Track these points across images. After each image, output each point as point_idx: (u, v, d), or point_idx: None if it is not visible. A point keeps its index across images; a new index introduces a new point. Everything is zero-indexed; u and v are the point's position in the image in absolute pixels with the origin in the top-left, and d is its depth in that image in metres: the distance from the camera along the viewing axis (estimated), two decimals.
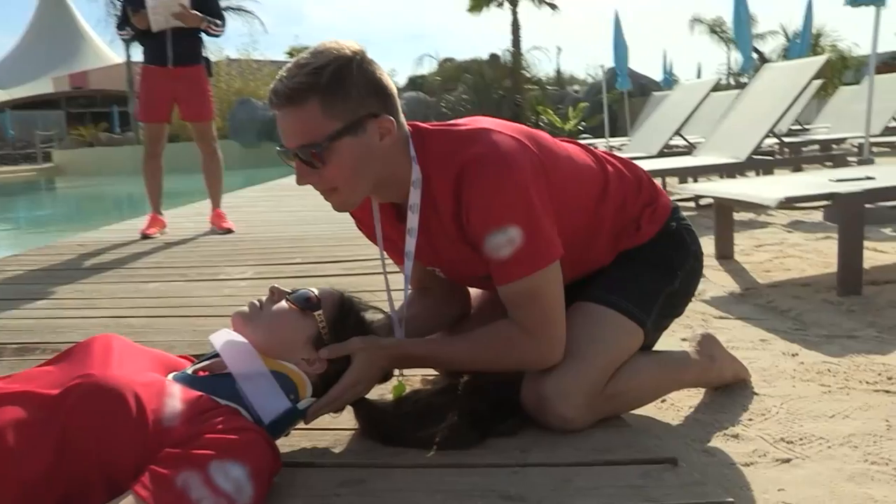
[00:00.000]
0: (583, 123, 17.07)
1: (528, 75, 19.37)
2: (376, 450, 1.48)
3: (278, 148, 1.45)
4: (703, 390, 1.95)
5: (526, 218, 1.40)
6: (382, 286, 1.69)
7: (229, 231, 4.91)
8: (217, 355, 1.41)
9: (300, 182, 1.47)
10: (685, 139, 7.79)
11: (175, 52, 4.76)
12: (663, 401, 1.85)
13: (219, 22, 4.88)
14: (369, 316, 1.53)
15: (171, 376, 1.36)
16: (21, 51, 46.63)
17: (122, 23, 4.90)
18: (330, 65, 1.38)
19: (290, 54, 41.58)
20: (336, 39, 1.43)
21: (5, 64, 44.03)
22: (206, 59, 5.00)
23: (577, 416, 1.47)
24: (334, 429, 1.54)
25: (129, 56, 26.20)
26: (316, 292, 1.45)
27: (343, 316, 1.45)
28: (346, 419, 1.54)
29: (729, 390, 1.95)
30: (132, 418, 1.17)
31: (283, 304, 1.43)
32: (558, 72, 34.81)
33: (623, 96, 14.21)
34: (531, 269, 1.41)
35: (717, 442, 1.67)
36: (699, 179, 6.82)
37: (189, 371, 1.38)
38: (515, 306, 1.45)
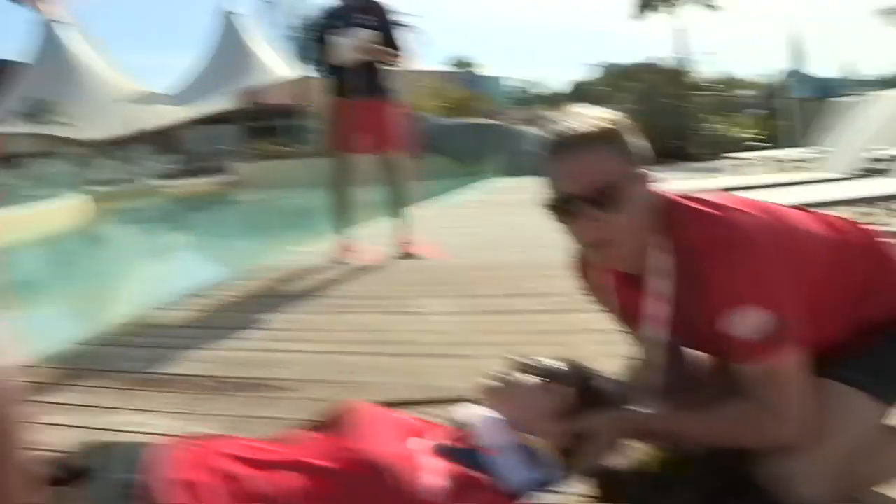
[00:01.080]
0: (753, 131, 16.36)
1: (694, 82, 18.78)
2: None
3: (553, 198, 1.47)
4: None
5: (770, 300, 1.39)
6: (583, 325, 1.72)
7: (420, 257, 5.08)
8: (464, 425, 1.50)
9: (578, 235, 1.49)
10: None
11: (363, 85, 5.00)
12: None
13: (401, 54, 5.08)
14: (606, 385, 1.57)
15: (424, 444, 1.45)
16: (202, 69, 50.14)
17: (309, 57, 5.21)
18: (610, 119, 1.45)
19: (457, 64, 42.51)
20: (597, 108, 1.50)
21: (187, 81, 47.38)
22: (391, 90, 5.20)
23: (818, 496, 1.45)
24: (578, 495, 1.59)
25: (302, 71, 27.61)
26: (563, 367, 1.51)
27: (584, 389, 1.51)
28: (589, 487, 1.58)
29: None
30: (392, 491, 1.27)
31: (531, 378, 1.50)
32: (726, 76, 33.62)
33: (797, 102, 13.44)
34: (773, 352, 1.41)
35: None
36: None
37: (443, 442, 1.47)
38: (755, 386, 1.44)
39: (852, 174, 6.51)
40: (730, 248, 1.41)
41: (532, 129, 15.39)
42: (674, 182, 10.16)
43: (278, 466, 1.35)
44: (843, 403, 1.49)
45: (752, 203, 1.54)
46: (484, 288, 3.95)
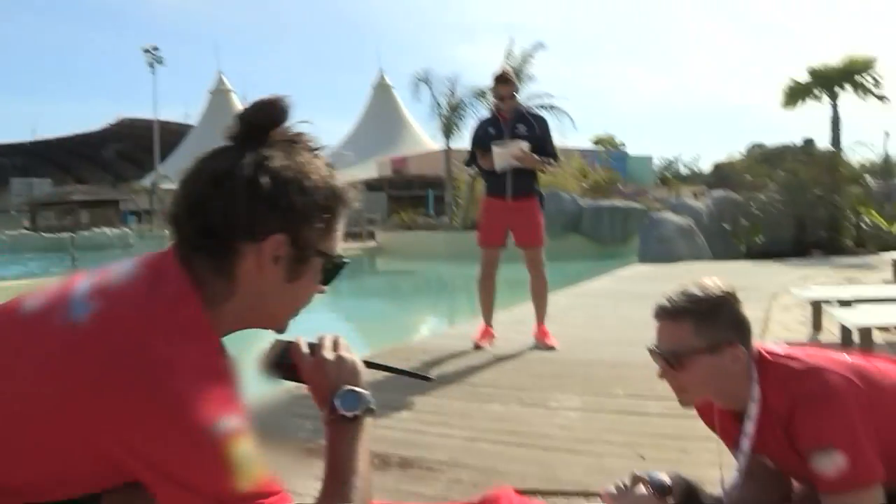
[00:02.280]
0: None
1: (848, 174, 18.23)
2: None
3: (649, 347, 1.90)
4: None
5: (848, 443, 1.71)
6: (701, 433, 2.05)
7: (552, 348, 5.46)
8: None
9: (661, 376, 1.93)
10: None
11: (514, 187, 5.52)
12: None
13: (552, 161, 5.59)
14: (708, 500, 1.91)
15: None
16: (354, 136, 52.89)
17: (470, 161, 5.78)
18: (710, 299, 1.84)
19: (596, 142, 42.91)
20: (713, 278, 1.90)
21: (340, 148, 50.05)
22: (540, 193, 5.68)
23: None
24: None
25: (448, 145, 28.82)
26: (668, 481, 1.86)
27: (688, 502, 1.85)
28: None
29: None
30: None
31: (642, 487, 1.86)
32: (885, 161, 32.19)
33: None
34: (851, 487, 1.72)
35: None
36: None
37: None
38: None
39: None
40: (818, 400, 1.75)
41: (673, 216, 15.47)
42: (819, 278, 9.97)
43: None
44: None
45: (840, 362, 1.86)
46: (611, 386, 4.27)
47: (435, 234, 25.20)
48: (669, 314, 1.88)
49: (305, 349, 1.38)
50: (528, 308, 5.96)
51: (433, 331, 7.11)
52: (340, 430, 1.29)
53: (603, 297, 8.64)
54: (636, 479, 1.89)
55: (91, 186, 49.74)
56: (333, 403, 1.30)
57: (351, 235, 31.91)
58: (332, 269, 1.30)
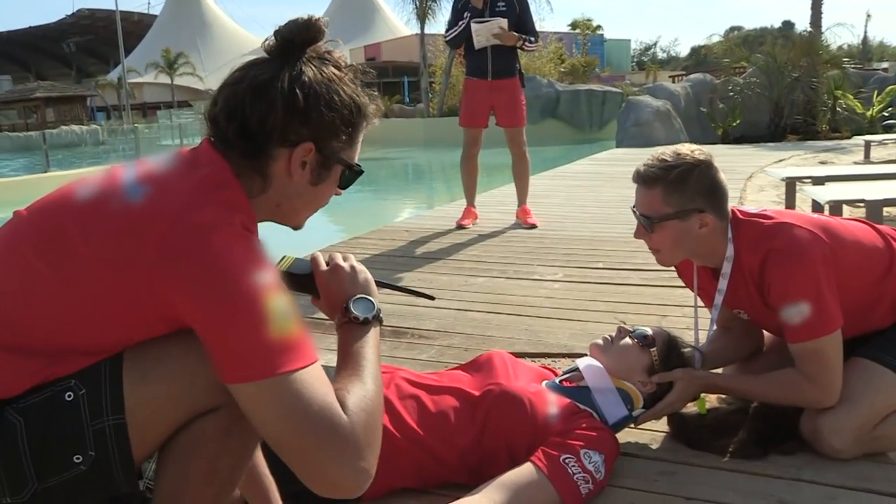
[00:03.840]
0: (889, 110, 15.73)
1: (826, 57, 18.09)
2: (682, 450, 2.02)
3: (631, 207, 2.03)
4: None
5: (814, 296, 1.85)
6: (678, 300, 2.21)
7: (534, 227, 5.60)
8: (576, 370, 2.02)
9: (636, 235, 2.07)
10: None
11: (494, 67, 5.52)
12: None
13: (532, 39, 5.56)
14: (687, 350, 2.06)
15: (545, 383, 1.99)
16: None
17: (454, 41, 5.71)
18: (679, 167, 1.94)
19: (574, 26, 42.08)
20: (691, 146, 1.98)
21: None
22: (521, 72, 5.69)
23: (845, 448, 1.90)
24: (652, 429, 2.11)
25: (423, 30, 28.18)
26: (651, 332, 2.01)
27: (669, 351, 2.01)
28: (661, 423, 2.09)
29: None
30: (528, 416, 1.81)
31: (628, 339, 2.01)
32: (864, 43, 31.93)
33: None
34: (815, 335, 1.87)
35: None
36: None
37: (557, 381, 2.01)
38: (801, 359, 1.91)
39: None
40: (786, 254, 1.88)
41: (651, 100, 15.43)
42: (793, 161, 10.11)
43: (439, 391, 1.91)
44: (869, 376, 1.94)
45: (807, 218, 1.99)
46: (592, 259, 4.43)
47: (411, 121, 24.96)
48: (643, 180, 1.98)
49: (322, 261, 1.50)
50: (509, 190, 6.06)
51: (417, 213, 7.20)
52: (353, 331, 1.38)
53: (581, 179, 8.75)
54: (621, 332, 2.04)
55: (54, 83, 47.97)
56: (348, 307, 1.40)
57: None
58: (350, 176, 1.42)
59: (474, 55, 5.59)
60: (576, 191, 7.75)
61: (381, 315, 1.45)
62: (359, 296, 1.44)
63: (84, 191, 1.28)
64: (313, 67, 1.32)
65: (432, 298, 1.82)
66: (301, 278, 1.51)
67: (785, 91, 16.66)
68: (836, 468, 1.89)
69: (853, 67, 20.48)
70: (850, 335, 1.93)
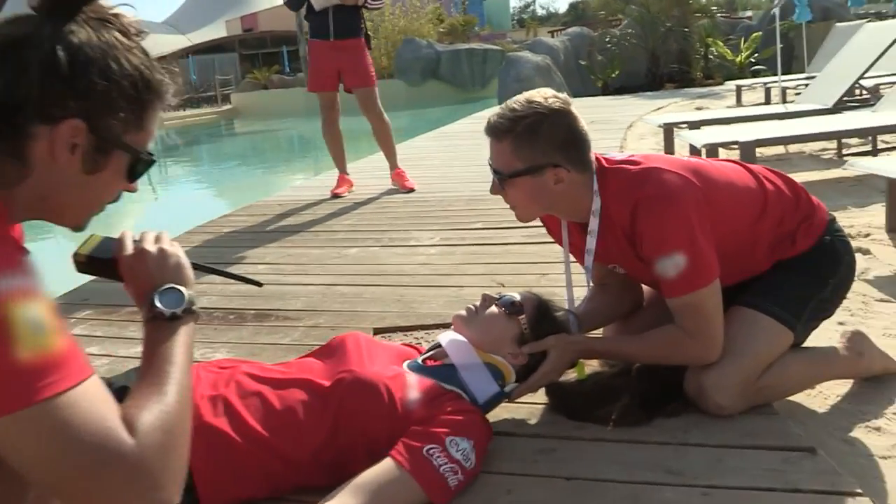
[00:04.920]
0: (755, 56, 16.26)
1: (696, 6, 18.55)
2: (563, 423, 1.84)
3: (488, 160, 1.84)
4: (852, 380, 2.09)
5: (688, 245, 1.69)
6: (556, 256, 2.04)
7: (411, 190, 5.37)
8: (438, 346, 1.81)
9: (492, 191, 1.87)
10: (864, 88, 7.40)
11: (336, 26, 5.23)
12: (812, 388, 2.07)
13: None
14: (560, 314, 1.88)
15: (406, 364, 1.77)
16: None
17: (293, 1, 5.38)
18: (529, 117, 1.73)
19: None
20: (546, 92, 1.77)
21: (184, 10, 46.69)
22: (367, 34, 5.41)
23: (731, 404, 1.77)
24: (529, 403, 1.91)
25: None
26: (519, 298, 1.81)
27: (540, 317, 1.81)
28: (539, 396, 1.91)
29: (879, 381, 2.07)
30: (385, 405, 1.59)
31: (494, 308, 1.80)
32: None
33: (801, 26, 13.26)
34: (693, 288, 1.71)
35: (858, 433, 1.86)
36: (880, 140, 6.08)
37: (419, 361, 1.79)
38: (680, 315, 1.75)
39: (824, 108, 6.69)
40: (656, 202, 1.71)
41: (530, 55, 15.37)
42: (671, 108, 10.30)
43: (286, 384, 1.66)
44: (752, 327, 1.80)
45: (678, 162, 1.82)
46: (471, 220, 4.24)
47: (291, 91, 24.25)
48: (492, 132, 1.79)
49: (129, 242, 1.25)
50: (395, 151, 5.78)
51: (294, 185, 6.87)
52: (159, 329, 1.15)
53: (462, 138, 8.57)
54: (486, 300, 1.83)
55: None
56: (153, 299, 1.16)
57: (205, 100, 30.44)
58: (138, 165, 1.15)
59: (315, 16, 5.29)
60: (456, 150, 7.56)
61: (194, 308, 1.20)
62: (167, 285, 1.19)
63: None
64: (89, 29, 1.04)
65: (259, 285, 1.57)
66: (105, 263, 1.26)
67: (659, 41, 17.00)
68: (723, 426, 1.75)
69: (721, 16, 21.08)
70: (728, 283, 1.79)
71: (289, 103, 22.50)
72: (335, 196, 5.39)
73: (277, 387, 1.66)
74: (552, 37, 22.66)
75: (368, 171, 6.32)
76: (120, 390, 1.10)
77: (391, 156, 5.60)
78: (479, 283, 3.08)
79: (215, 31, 40.70)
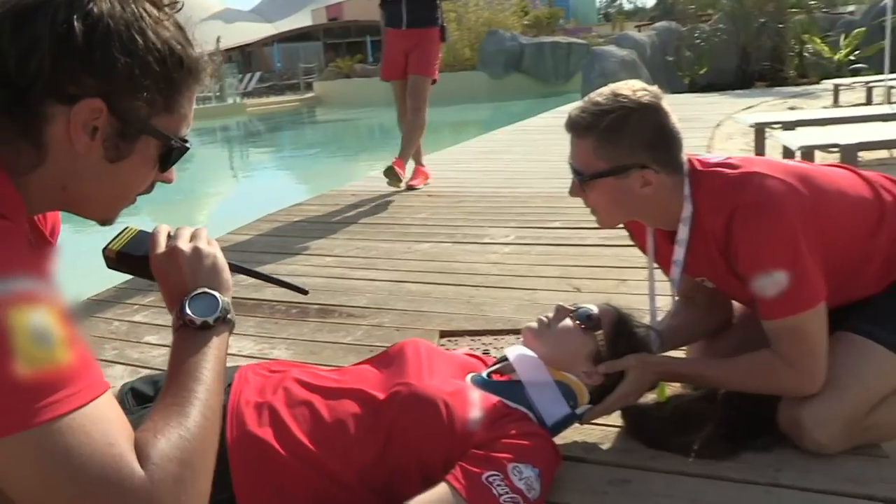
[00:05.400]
0: (856, 53, 15.44)
1: (793, 0, 17.78)
2: (638, 450, 1.67)
3: (568, 161, 1.67)
4: None
5: (792, 262, 1.49)
6: (637, 261, 1.86)
7: (411, 188, 5.20)
8: (505, 360, 1.66)
9: (571, 193, 1.70)
10: None
11: (410, 16, 5.13)
12: None
13: None
14: (640, 330, 1.70)
15: (469, 378, 1.63)
16: None
17: None
18: (614, 112, 1.56)
19: None
20: (634, 85, 1.60)
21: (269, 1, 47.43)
22: (442, 25, 5.27)
23: (832, 442, 1.57)
24: (602, 426, 1.75)
25: None
26: (596, 311, 1.65)
27: (619, 334, 1.64)
28: (613, 418, 1.74)
29: None
30: (443, 423, 1.45)
31: (568, 321, 1.64)
32: None
33: None
34: (795, 311, 1.51)
35: None
36: None
37: (485, 375, 1.64)
38: (778, 340, 1.56)
39: None
40: (756, 212, 1.52)
41: (616, 50, 15.02)
42: (762, 107, 9.89)
43: (338, 395, 1.54)
44: (862, 357, 1.59)
45: (781, 166, 1.62)
46: (548, 219, 4.06)
47: (373, 80, 24.28)
48: (573, 128, 1.62)
49: (163, 239, 1.13)
50: (463, 147, 5.65)
51: (370, 175, 6.80)
52: (189, 339, 1.04)
53: (544, 133, 8.35)
54: (560, 312, 1.67)
55: None
56: (183, 305, 1.06)
57: (289, 87, 30.88)
58: (168, 154, 1.03)
59: (390, 4, 5.22)
60: (537, 145, 7.36)
61: (229, 317, 1.08)
62: (200, 290, 1.08)
63: None
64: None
65: (304, 293, 1.43)
66: (137, 261, 1.15)
67: (752, 37, 16.36)
68: (822, 467, 1.55)
69: (820, 11, 20.17)
70: (835, 305, 1.58)
71: (370, 92, 22.49)
72: (410, 188, 5.29)
73: (329, 396, 1.54)
74: (639, 31, 22.14)
75: (446, 163, 6.20)
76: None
77: (406, 149, 5.29)
78: (553, 286, 2.92)
79: (301, 19, 41.28)
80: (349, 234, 4.08)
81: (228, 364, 2.31)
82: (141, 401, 1.62)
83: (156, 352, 2.45)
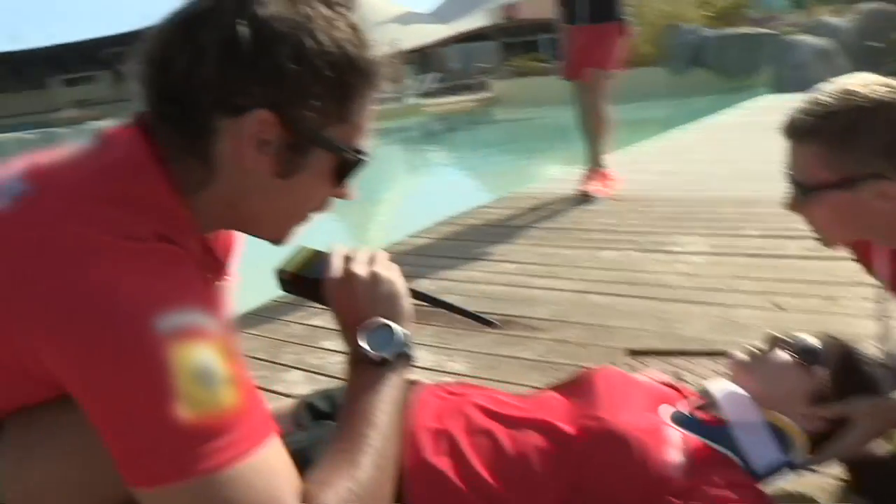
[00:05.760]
0: None
1: None
2: None
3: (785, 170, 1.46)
4: None
5: None
6: (853, 277, 1.62)
7: (595, 197, 4.87)
8: (707, 393, 1.49)
9: (789, 207, 1.47)
10: None
11: (590, 11, 4.88)
12: None
13: None
14: (871, 368, 1.48)
15: (669, 414, 1.47)
16: None
17: None
18: (845, 113, 1.34)
19: None
20: (867, 78, 1.37)
21: (449, 0, 48.21)
22: (622, 18, 5.00)
23: None
24: (820, 475, 1.54)
25: None
26: (818, 344, 1.45)
27: (845, 371, 1.43)
28: (833, 466, 1.52)
29: None
30: (636, 465, 1.31)
31: (783, 354, 1.45)
32: None
33: None
34: None
35: None
36: None
37: (686, 412, 1.48)
38: None
39: None
40: None
41: (810, 39, 14.01)
42: None
43: (522, 425, 1.44)
44: None
45: None
46: (741, 226, 3.78)
47: (550, 79, 24.04)
48: (794, 133, 1.40)
49: (339, 262, 1.07)
50: (645, 148, 5.36)
51: (549, 177, 6.68)
52: (364, 375, 0.98)
53: (731, 131, 7.87)
54: (775, 343, 1.48)
55: None
56: (357, 337, 1.00)
57: (464, 87, 31.23)
58: (343, 167, 0.95)
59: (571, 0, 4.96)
60: (724, 145, 6.94)
61: (409, 352, 1.01)
62: (377, 321, 1.00)
63: None
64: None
65: (493, 325, 1.33)
66: (312, 284, 1.08)
67: None
68: None
69: None
70: None
71: (547, 91, 22.18)
72: (591, 192, 5.10)
73: (512, 426, 1.44)
74: (837, 17, 20.56)
75: (625, 164, 5.95)
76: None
77: (596, 152, 5.05)
78: (750, 302, 2.67)
79: (477, 19, 41.65)
80: (529, 240, 3.98)
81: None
82: (317, 416, 1.60)
83: (334, 358, 2.45)
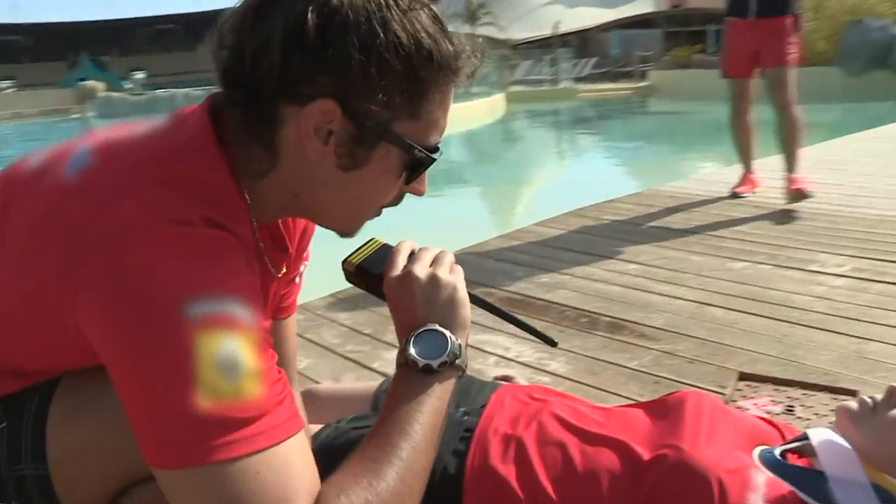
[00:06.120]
0: None
1: None
2: None
3: None
4: None
5: None
6: None
7: (801, 195, 4.43)
8: (806, 439, 1.36)
9: None
10: None
11: (759, 2, 4.54)
12: None
13: None
14: None
15: (757, 453, 1.35)
16: None
17: None
18: None
19: None
20: None
21: None
22: (795, 12, 4.61)
23: None
24: None
25: None
26: None
27: None
28: None
29: None
30: None
31: None
32: None
33: None
34: None
35: None
36: None
37: (777, 453, 1.35)
38: None
39: None
40: None
41: None
42: None
43: (597, 441, 1.35)
44: None
45: None
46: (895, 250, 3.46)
47: (712, 73, 23.04)
48: None
49: (402, 259, 1.03)
50: (805, 154, 4.94)
51: (696, 176, 6.40)
52: (408, 380, 0.93)
53: None
54: (893, 396, 1.32)
55: None
56: (408, 341, 0.95)
57: (623, 75, 30.50)
58: (412, 164, 0.91)
59: None
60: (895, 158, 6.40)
61: (459, 361, 0.96)
62: (430, 326, 0.96)
63: (34, 161, 0.93)
64: None
65: (553, 344, 1.25)
66: (375, 279, 1.05)
67: None
68: None
69: None
70: None
71: (708, 85, 21.22)
72: (735, 196, 4.83)
73: (587, 441, 1.36)
74: None
75: (778, 170, 5.59)
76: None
77: (791, 157, 4.67)
78: (891, 338, 2.43)
79: (643, 5, 40.47)
80: (658, 241, 3.80)
81: (504, 368, 2.20)
82: None
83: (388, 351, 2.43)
